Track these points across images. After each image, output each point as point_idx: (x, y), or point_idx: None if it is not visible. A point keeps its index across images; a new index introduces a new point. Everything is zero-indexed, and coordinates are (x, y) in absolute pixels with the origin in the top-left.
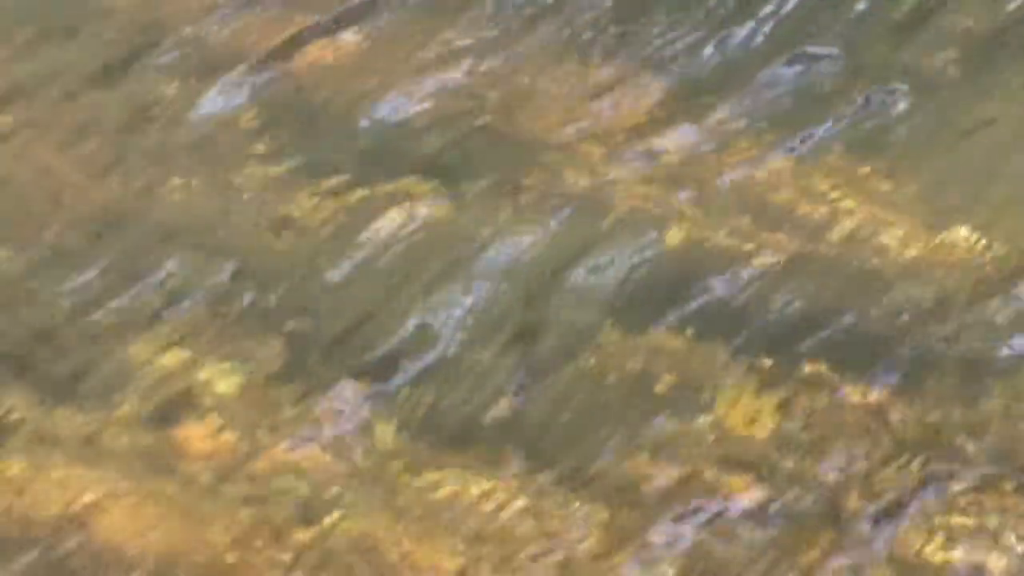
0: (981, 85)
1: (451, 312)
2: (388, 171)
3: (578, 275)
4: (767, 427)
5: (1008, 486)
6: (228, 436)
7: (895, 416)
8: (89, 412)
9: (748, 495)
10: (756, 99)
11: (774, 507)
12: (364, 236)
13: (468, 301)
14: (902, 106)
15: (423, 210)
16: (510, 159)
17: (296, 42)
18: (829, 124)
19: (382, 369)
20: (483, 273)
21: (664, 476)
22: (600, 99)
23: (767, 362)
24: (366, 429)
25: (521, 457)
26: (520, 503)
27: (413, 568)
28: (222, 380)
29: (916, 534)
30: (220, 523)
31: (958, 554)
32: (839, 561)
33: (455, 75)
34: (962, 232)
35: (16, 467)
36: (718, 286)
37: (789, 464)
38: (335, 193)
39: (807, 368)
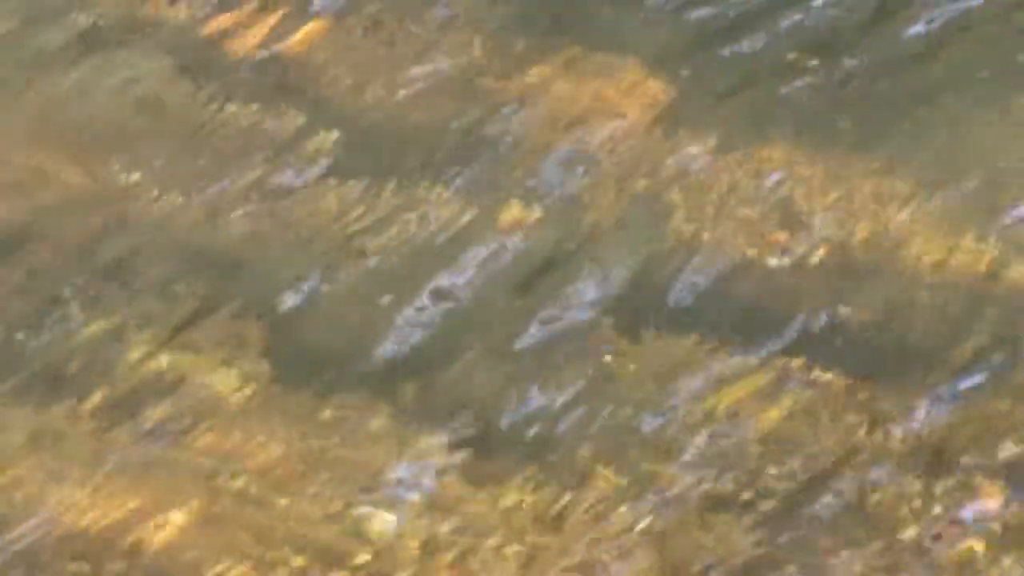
0: None
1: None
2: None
3: (576, 272)
4: (764, 425)
5: (1007, 486)
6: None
7: (897, 416)
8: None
9: (746, 494)
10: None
11: (770, 505)
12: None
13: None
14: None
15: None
16: (505, 155)
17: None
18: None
19: (379, 366)
20: (474, 268)
21: (666, 475)
22: (596, 92)
23: (762, 360)
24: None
25: (524, 455)
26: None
27: None
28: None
29: (915, 533)
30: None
31: (957, 552)
32: (840, 559)
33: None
34: (969, 233)
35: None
36: (719, 284)
37: (787, 462)
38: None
39: (803, 366)
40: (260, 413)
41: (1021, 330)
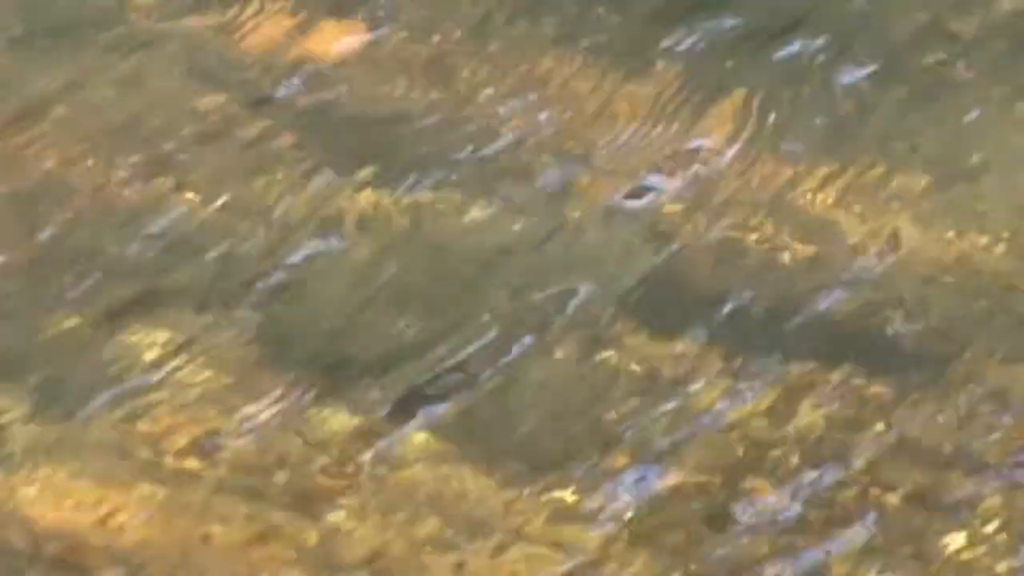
0: None
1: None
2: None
3: (579, 271)
4: (772, 425)
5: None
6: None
7: (899, 416)
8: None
9: (751, 494)
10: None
11: (778, 506)
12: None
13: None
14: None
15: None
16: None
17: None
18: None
19: (375, 364)
20: (474, 265)
21: (672, 475)
22: (606, 91)
23: (767, 361)
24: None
25: (524, 453)
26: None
27: None
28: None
29: (917, 532)
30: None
31: (962, 551)
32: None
33: None
34: (976, 235)
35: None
36: (723, 284)
37: (795, 463)
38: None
39: (810, 368)
40: None
41: None
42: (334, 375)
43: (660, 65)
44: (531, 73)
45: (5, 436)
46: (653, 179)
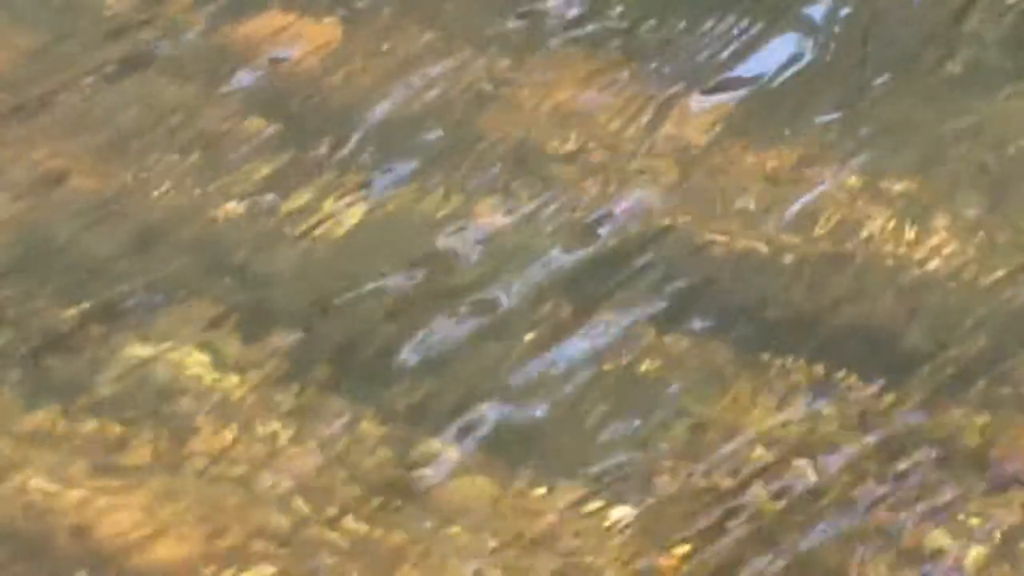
0: None
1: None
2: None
3: (576, 271)
4: (770, 425)
5: (1003, 488)
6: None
7: (898, 416)
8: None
9: (749, 493)
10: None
11: (778, 505)
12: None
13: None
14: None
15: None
16: (507, 154)
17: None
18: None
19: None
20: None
21: (669, 474)
22: (601, 90)
23: (771, 360)
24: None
25: (529, 455)
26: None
27: None
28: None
29: (915, 531)
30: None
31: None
32: (840, 557)
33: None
34: (973, 232)
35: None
36: (721, 283)
37: (793, 462)
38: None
39: (813, 367)
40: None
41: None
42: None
43: None
44: None
45: None
46: None
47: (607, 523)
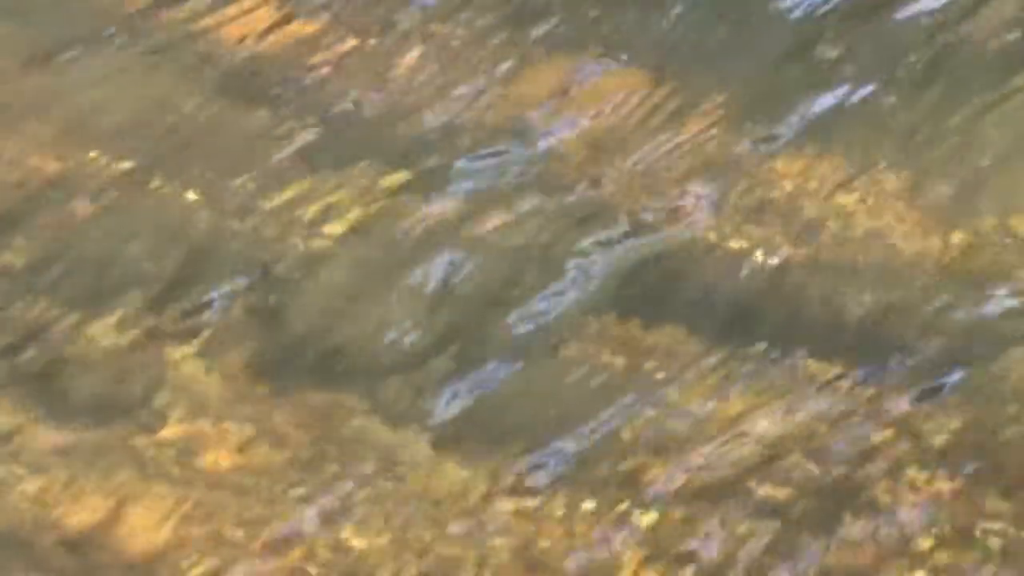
0: None
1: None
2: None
3: (572, 269)
4: (761, 424)
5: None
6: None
7: (896, 415)
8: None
9: (746, 492)
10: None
11: (773, 504)
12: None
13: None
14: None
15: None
16: (505, 153)
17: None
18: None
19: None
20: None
21: (663, 472)
22: (594, 90)
23: (761, 357)
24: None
25: (519, 448)
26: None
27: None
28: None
29: (914, 530)
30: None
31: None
32: (839, 557)
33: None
34: (968, 228)
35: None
36: (715, 282)
37: (788, 460)
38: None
39: (803, 364)
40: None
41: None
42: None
43: None
44: None
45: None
46: None
47: (607, 522)
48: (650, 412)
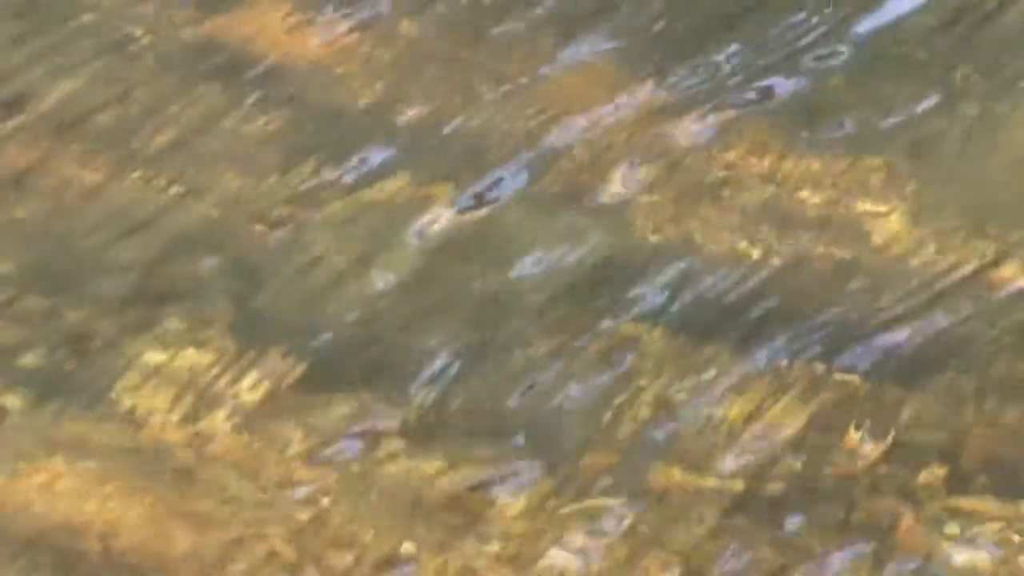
0: None
1: None
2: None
3: (569, 269)
4: (763, 425)
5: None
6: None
7: (894, 414)
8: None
9: (748, 493)
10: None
11: (774, 505)
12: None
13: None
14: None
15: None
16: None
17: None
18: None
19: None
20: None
21: (663, 476)
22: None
23: (764, 360)
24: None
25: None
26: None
27: None
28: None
29: (914, 530)
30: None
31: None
32: (839, 556)
33: None
34: (965, 229)
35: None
36: (712, 283)
37: (787, 462)
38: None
39: (805, 367)
40: None
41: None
42: None
43: None
44: None
45: None
46: None
47: (606, 522)
48: (645, 412)
